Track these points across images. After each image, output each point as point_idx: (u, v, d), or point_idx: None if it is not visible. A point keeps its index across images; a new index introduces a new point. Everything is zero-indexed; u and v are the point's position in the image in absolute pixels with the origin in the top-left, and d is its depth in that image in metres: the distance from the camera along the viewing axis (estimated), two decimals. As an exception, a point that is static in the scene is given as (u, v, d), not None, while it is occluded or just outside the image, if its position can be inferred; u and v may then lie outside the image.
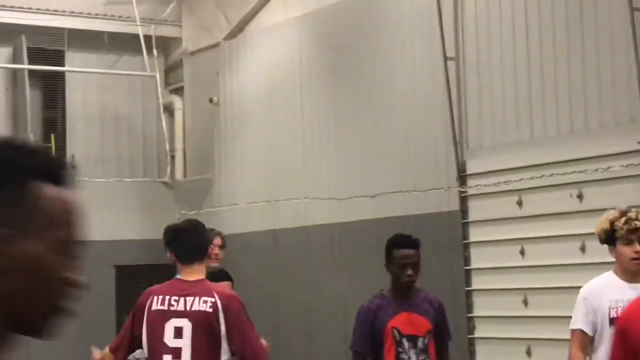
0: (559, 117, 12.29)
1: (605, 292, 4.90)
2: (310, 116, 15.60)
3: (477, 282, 13.10)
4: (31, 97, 16.76)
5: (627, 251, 4.78)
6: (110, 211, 16.24)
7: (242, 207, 16.12)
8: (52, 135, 17.15)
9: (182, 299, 4.56)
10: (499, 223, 12.77)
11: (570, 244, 11.44)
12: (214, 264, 7.15)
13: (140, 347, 4.54)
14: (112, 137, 17.65)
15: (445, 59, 13.02)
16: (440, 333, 5.19)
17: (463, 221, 13.20)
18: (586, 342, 4.98)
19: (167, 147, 17.62)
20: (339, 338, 15.01)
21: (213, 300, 4.59)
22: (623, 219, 4.82)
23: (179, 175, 17.85)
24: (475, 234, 13.14)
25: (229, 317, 4.58)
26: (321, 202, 15.11)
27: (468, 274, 13.15)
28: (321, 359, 15.15)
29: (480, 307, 12.92)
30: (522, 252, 12.45)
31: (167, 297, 4.56)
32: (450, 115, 13.23)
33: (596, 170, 11.69)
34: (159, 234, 17.98)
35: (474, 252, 13.14)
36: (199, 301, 4.56)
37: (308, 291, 15.43)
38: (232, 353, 4.60)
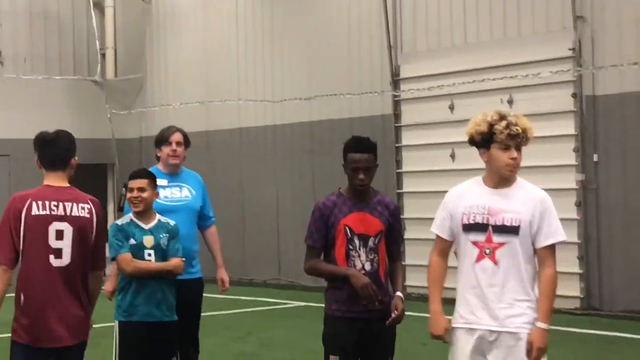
0: (492, 23, 12.39)
1: (464, 197, 4.68)
2: (246, 17, 15.42)
3: (408, 185, 13.35)
4: (-46, -10, 16.24)
5: (503, 157, 4.55)
6: (39, 109, 15.98)
7: (174, 108, 16.01)
8: (-22, 31, 16.69)
9: (60, 204, 4.88)
10: (431, 127, 12.96)
11: (500, 149, 11.61)
12: (173, 162, 6.63)
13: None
14: (41, 34, 17.23)
15: (382, -38, 12.95)
16: (392, 235, 5.27)
17: (396, 125, 13.37)
18: (446, 246, 4.78)
19: (98, 45, 17.30)
20: (272, 237, 15.23)
21: (89, 207, 4.96)
22: (504, 123, 4.56)
23: (110, 74, 17.57)
24: (407, 138, 13.33)
25: (99, 221, 5.03)
26: (255, 104, 15.08)
27: (399, 176, 13.38)
28: (254, 258, 15.37)
29: (411, 209, 13.20)
30: (452, 156, 12.69)
31: (47, 202, 4.85)
32: (385, 20, 13.24)
33: (526, 76, 11.88)
34: (90, 134, 17.64)
35: (405, 155, 13.35)
36: (77, 207, 4.91)
37: (241, 192, 15.53)
38: None
